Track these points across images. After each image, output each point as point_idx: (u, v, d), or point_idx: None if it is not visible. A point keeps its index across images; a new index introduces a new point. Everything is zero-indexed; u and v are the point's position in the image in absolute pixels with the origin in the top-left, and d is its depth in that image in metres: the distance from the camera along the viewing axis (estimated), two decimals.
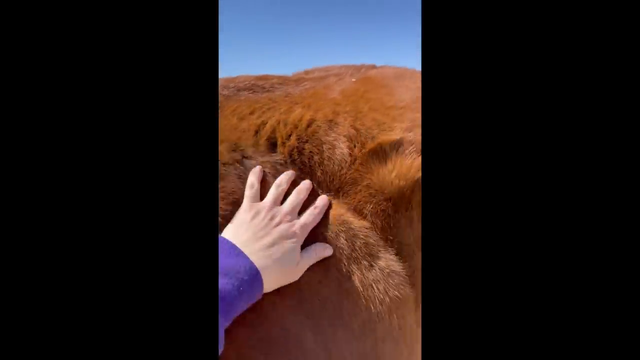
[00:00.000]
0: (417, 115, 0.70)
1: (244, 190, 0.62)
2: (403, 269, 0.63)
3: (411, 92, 0.75)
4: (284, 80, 0.80)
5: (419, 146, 0.68)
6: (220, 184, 0.61)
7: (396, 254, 0.65)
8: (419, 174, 0.66)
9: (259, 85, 0.75)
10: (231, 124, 0.67)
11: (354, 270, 0.59)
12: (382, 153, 0.67)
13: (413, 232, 0.68)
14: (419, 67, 0.82)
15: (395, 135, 0.67)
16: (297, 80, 0.79)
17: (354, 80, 0.81)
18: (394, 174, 0.66)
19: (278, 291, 0.57)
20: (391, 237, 0.65)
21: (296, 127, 0.66)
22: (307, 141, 0.66)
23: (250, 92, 0.74)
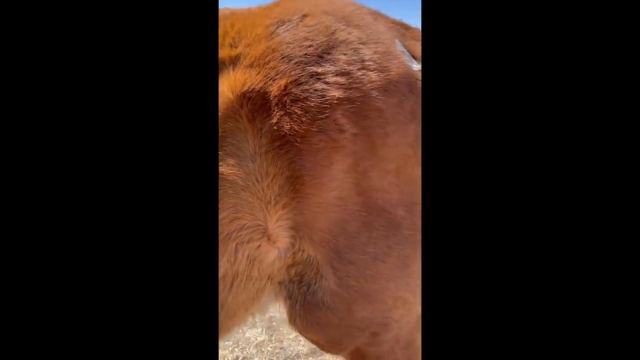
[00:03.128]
0: (263, 30, 0.69)
1: None
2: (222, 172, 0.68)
3: (281, 10, 0.73)
4: None
5: (253, 60, 0.68)
6: None
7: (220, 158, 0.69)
8: (245, 88, 0.67)
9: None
10: None
11: None
12: (221, 67, 0.70)
13: (249, 143, 0.70)
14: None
15: (234, 51, 0.69)
16: None
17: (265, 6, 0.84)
18: (225, 87, 0.69)
19: None
20: (221, 152, 0.70)
21: None
22: None
23: None
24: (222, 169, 0.70)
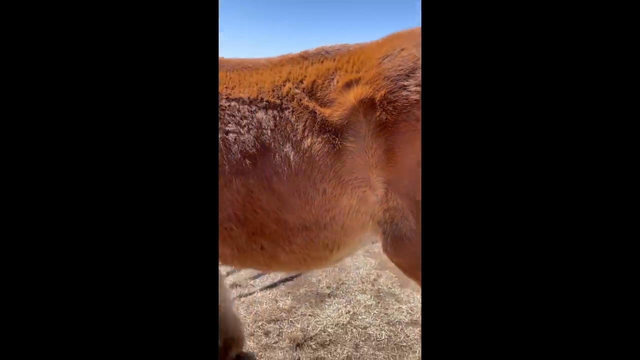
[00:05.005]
0: (375, 62, 1.17)
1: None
2: (335, 144, 1.19)
3: (387, 47, 1.19)
4: (342, 47, 1.42)
5: (367, 80, 1.16)
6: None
7: (343, 139, 1.20)
8: (362, 96, 1.16)
9: (326, 51, 1.43)
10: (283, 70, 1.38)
11: (302, 132, 1.22)
12: (350, 84, 1.21)
13: (362, 129, 1.18)
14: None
15: (358, 75, 1.19)
16: (343, 45, 1.40)
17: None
18: (351, 96, 1.19)
19: None
20: (346, 134, 1.21)
21: (319, 71, 1.32)
22: (320, 78, 1.30)
23: (319, 56, 1.43)
24: (347, 144, 1.21)
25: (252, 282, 3.15)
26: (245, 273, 3.28)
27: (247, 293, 2.96)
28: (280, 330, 2.46)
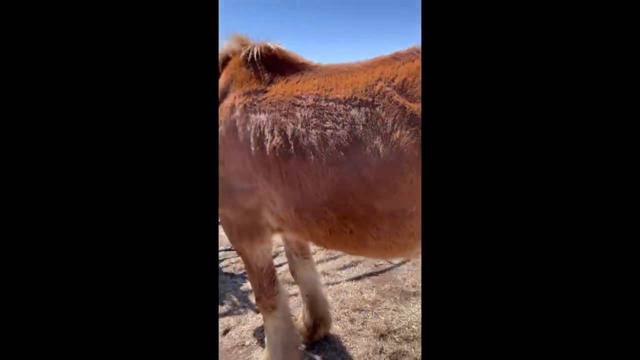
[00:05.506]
0: None
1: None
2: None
3: None
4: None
5: None
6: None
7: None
8: None
9: (417, 51, 1.52)
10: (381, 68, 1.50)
11: (380, 114, 1.32)
12: None
13: None
14: None
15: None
16: None
17: None
18: None
19: None
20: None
21: (410, 69, 1.41)
22: (410, 76, 1.39)
23: (411, 55, 1.53)
24: None
25: (339, 272, 3.35)
26: (333, 264, 3.50)
27: (334, 282, 3.16)
28: (365, 319, 2.58)
